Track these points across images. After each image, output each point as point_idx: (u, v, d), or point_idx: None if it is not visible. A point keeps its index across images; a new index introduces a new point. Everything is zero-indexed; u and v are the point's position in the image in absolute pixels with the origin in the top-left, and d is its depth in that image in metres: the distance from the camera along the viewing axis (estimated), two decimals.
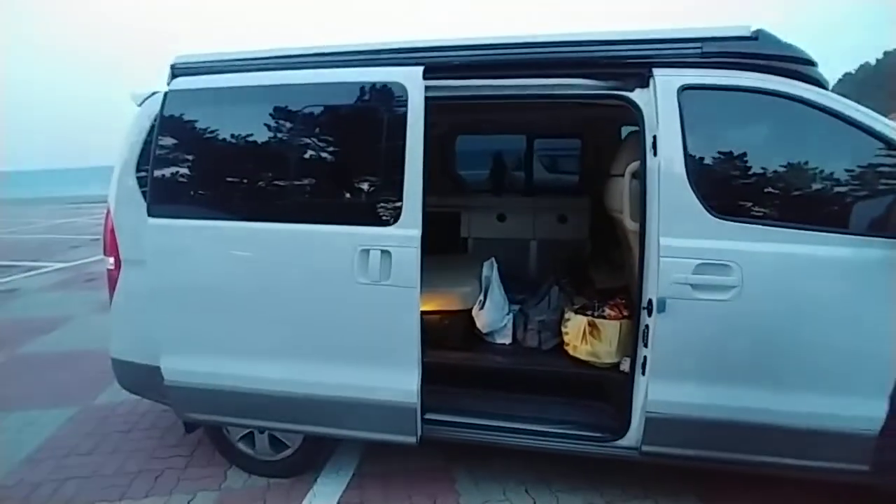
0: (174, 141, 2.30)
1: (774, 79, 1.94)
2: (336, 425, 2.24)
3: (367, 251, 2.06)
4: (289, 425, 2.32)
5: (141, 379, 2.49)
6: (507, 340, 2.75)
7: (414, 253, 2.04)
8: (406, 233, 2.05)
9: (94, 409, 3.26)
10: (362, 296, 2.08)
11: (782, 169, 1.99)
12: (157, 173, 2.29)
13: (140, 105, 2.55)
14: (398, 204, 2.06)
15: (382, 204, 2.09)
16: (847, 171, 1.93)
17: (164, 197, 2.29)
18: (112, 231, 2.50)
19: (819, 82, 2.01)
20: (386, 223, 2.07)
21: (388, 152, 2.09)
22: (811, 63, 2.04)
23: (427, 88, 2.09)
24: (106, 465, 2.66)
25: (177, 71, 2.39)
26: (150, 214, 2.27)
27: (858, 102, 1.97)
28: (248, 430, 2.50)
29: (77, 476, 2.56)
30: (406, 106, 2.07)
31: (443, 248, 3.45)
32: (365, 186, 2.17)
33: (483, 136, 3.80)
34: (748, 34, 1.99)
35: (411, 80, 2.07)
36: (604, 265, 3.09)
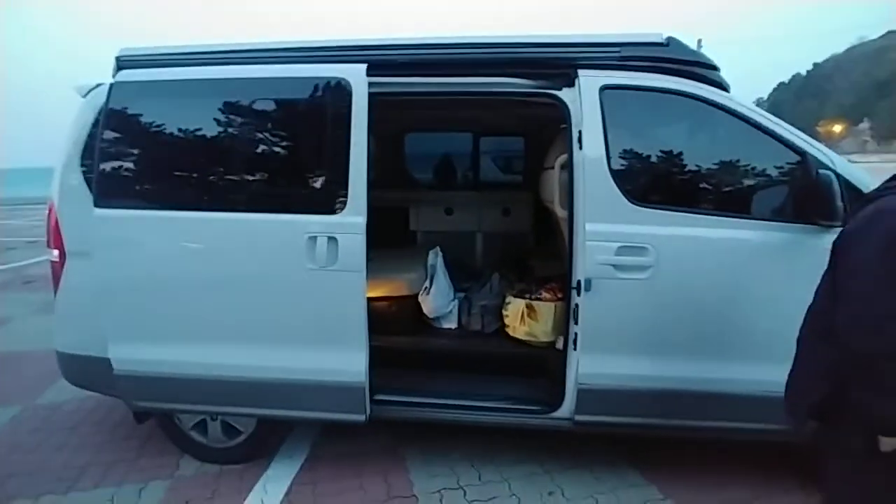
0: (120, 133, 2.33)
1: (682, 81, 2.17)
2: (288, 407, 2.32)
3: (315, 238, 2.16)
4: (241, 409, 2.38)
5: (88, 371, 2.48)
6: (453, 325, 2.91)
7: (359, 239, 2.16)
8: (352, 220, 2.16)
9: (38, 407, 3.20)
10: (310, 281, 2.18)
11: (690, 161, 2.24)
12: (103, 165, 2.31)
13: (84, 97, 2.54)
14: (344, 193, 2.16)
15: (328, 193, 2.19)
16: (744, 163, 2.20)
17: (110, 188, 2.31)
18: (56, 224, 2.49)
19: (721, 85, 2.27)
20: (332, 211, 2.18)
21: (334, 145, 2.19)
22: (714, 68, 2.29)
23: (370, 85, 2.21)
24: (51, 460, 2.63)
25: (122, 63, 2.42)
26: (96, 205, 2.29)
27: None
28: (200, 418, 2.54)
29: (21, 472, 2.53)
30: (350, 101, 2.18)
31: (393, 241, 3.57)
32: (312, 177, 2.27)
33: (432, 135, 3.95)
34: (661, 41, 2.22)
35: (355, 76, 2.19)
36: (544, 254, 3.29)
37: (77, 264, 2.42)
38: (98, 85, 2.50)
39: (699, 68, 2.24)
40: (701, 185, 2.27)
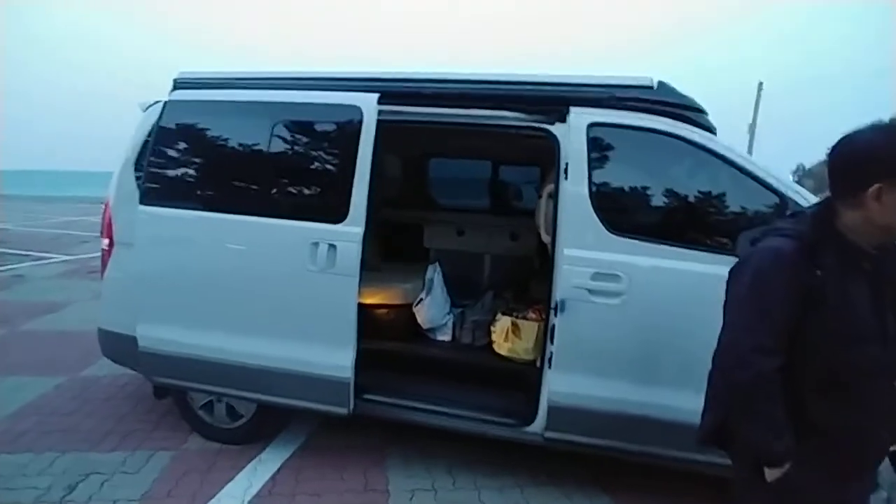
0: (166, 143, 2.71)
1: (668, 121, 2.31)
2: (282, 395, 2.55)
3: (317, 243, 2.42)
4: (242, 392, 2.63)
5: (119, 347, 2.83)
6: (447, 337, 3.08)
7: (356, 247, 2.39)
8: (350, 230, 2.41)
9: (80, 379, 3.60)
10: (310, 281, 2.43)
11: (669, 196, 2.36)
12: (151, 169, 2.70)
13: (145, 111, 2.97)
14: (346, 205, 2.42)
15: (333, 204, 2.45)
16: (721, 201, 2.29)
17: (154, 189, 2.68)
18: (109, 217, 2.90)
19: (708, 127, 2.38)
20: (335, 221, 2.43)
21: (343, 162, 2.46)
22: (701, 111, 2.42)
23: (381, 112, 2.48)
24: (82, 424, 2.98)
25: (177, 84, 2.82)
26: (141, 203, 2.66)
27: None
28: (208, 399, 2.82)
29: (55, 431, 2.89)
30: (361, 125, 2.45)
31: (406, 256, 3.81)
32: (321, 189, 2.55)
33: (453, 161, 4.20)
34: (649, 84, 2.37)
35: (367, 104, 2.46)
36: (543, 277, 3.41)
37: (121, 252, 2.81)
38: (156, 102, 2.92)
39: (686, 111, 2.37)
40: (678, 220, 2.37)
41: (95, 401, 3.28)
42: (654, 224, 2.37)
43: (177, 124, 2.71)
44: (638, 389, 2.25)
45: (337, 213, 2.44)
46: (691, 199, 2.35)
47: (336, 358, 2.43)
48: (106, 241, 2.92)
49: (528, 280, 3.44)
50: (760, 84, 18.35)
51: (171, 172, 2.70)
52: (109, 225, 2.90)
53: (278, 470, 2.62)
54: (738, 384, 1.25)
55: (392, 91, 2.53)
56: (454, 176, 4.28)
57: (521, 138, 3.26)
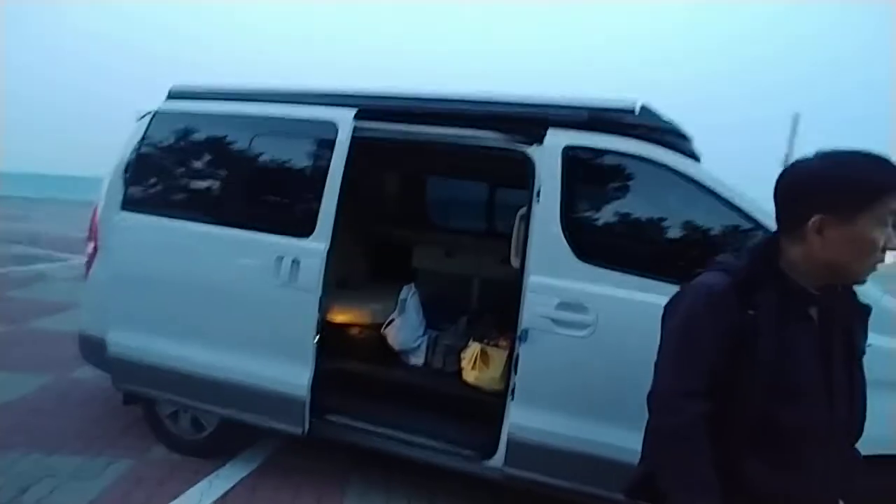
0: (150, 151, 2.76)
1: (648, 146, 2.19)
2: (241, 409, 2.50)
3: (282, 258, 2.38)
4: (203, 405, 2.60)
5: (95, 350, 2.85)
6: (420, 361, 2.98)
7: (319, 263, 2.34)
8: (315, 246, 2.37)
9: (67, 380, 3.65)
10: (273, 296, 2.39)
11: (645, 224, 2.22)
12: (134, 175, 2.75)
13: (139, 120, 3.04)
14: (313, 221, 2.39)
15: (300, 219, 2.42)
16: (700, 231, 2.14)
17: (134, 195, 2.72)
18: (96, 222, 2.95)
19: (692, 154, 2.25)
20: (301, 236, 2.40)
21: (313, 177, 2.44)
22: (685, 138, 2.30)
23: (358, 129, 2.45)
24: (54, 425, 3.00)
25: (171, 94, 2.88)
26: (121, 208, 2.71)
27: None
28: (174, 409, 2.80)
29: (28, 429, 2.91)
30: (335, 141, 2.43)
31: (393, 276, 3.75)
32: (289, 203, 2.53)
33: (446, 181, 4.14)
34: (629, 107, 2.26)
35: (342, 119, 2.44)
36: None
37: (101, 257, 2.84)
38: (149, 112, 2.99)
39: (670, 136, 2.25)
40: (654, 250, 2.23)
41: (73, 403, 3.31)
42: (627, 253, 2.24)
43: (161, 134, 2.77)
44: (605, 430, 2.09)
45: (303, 228, 2.41)
46: (670, 228, 2.21)
47: (292, 375, 2.37)
48: (91, 245, 2.97)
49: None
50: (796, 116, 17.71)
51: (150, 180, 2.74)
52: (95, 229, 2.95)
53: (233, 487, 2.55)
54: (659, 429, 1.12)
55: (369, 107, 2.50)
56: (447, 196, 4.22)
57: (510, 160, 3.19)
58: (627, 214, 2.24)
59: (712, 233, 2.14)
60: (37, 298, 5.78)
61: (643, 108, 2.27)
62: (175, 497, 2.42)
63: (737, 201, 2.07)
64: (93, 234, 2.96)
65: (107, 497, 2.38)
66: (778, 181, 1.13)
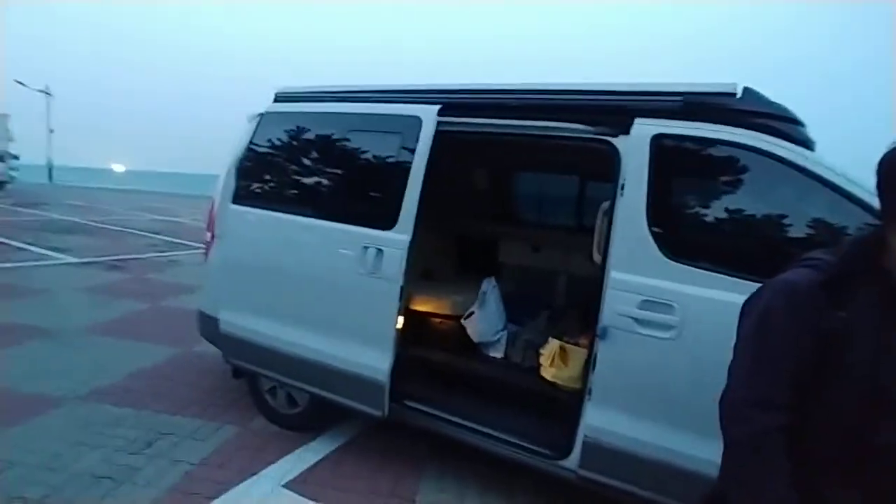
0: (257, 148, 3.04)
1: (750, 133, 1.99)
2: (328, 389, 2.67)
3: (367, 248, 2.51)
4: (295, 382, 2.82)
5: (209, 327, 3.21)
6: (500, 354, 2.97)
7: (401, 254, 2.43)
8: (397, 237, 2.46)
9: (191, 353, 4.15)
10: (359, 284, 2.53)
11: (744, 220, 2.01)
12: (242, 171, 3.05)
13: (249, 122, 3.36)
14: (396, 213, 2.48)
15: (385, 212, 2.53)
16: (814, 229, 1.90)
17: (242, 189, 3.02)
18: (213, 214, 3.32)
19: (804, 142, 2.01)
20: (385, 228, 2.51)
21: (398, 171, 2.53)
22: (796, 122, 2.05)
23: (442, 123, 2.51)
24: (178, 391, 3.43)
25: (277, 97, 3.16)
26: (231, 202, 3.02)
27: None
28: (272, 385, 3.07)
29: (156, 393, 3.36)
30: (419, 135, 2.51)
31: (479, 270, 3.78)
32: (375, 195, 2.64)
33: (536, 175, 4.06)
34: (730, 90, 2.08)
35: (427, 114, 2.51)
36: None
37: (216, 245, 3.19)
38: (258, 114, 3.29)
39: (776, 121, 2.03)
40: (755, 249, 2.01)
41: (194, 373, 3.76)
42: (723, 252, 2.04)
43: (266, 133, 3.04)
44: (686, 439, 1.95)
45: (387, 220, 2.51)
46: (773, 225, 1.98)
47: (374, 360, 2.49)
48: (209, 234, 3.34)
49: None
50: None
51: (255, 175, 3.02)
52: (212, 220, 3.32)
53: (319, 460, 2.74)
54: (732, 441, 1.03)
55: (453, 102, 2.55)
56: (537, 191, 4.14)
57: (596, 152, 3.07)
58: (724, 209, 2.05)
59: (825, 230, 1.89)
60: (170, 281, 6.63)
61: (746, 91, 2.08)
62: (269, 464, 2.66)
63: (857, 193, 1.81)
64: (210, 225, 3.33)
65: (215, 457, 2.68)
66: (881, 164, 0.98)
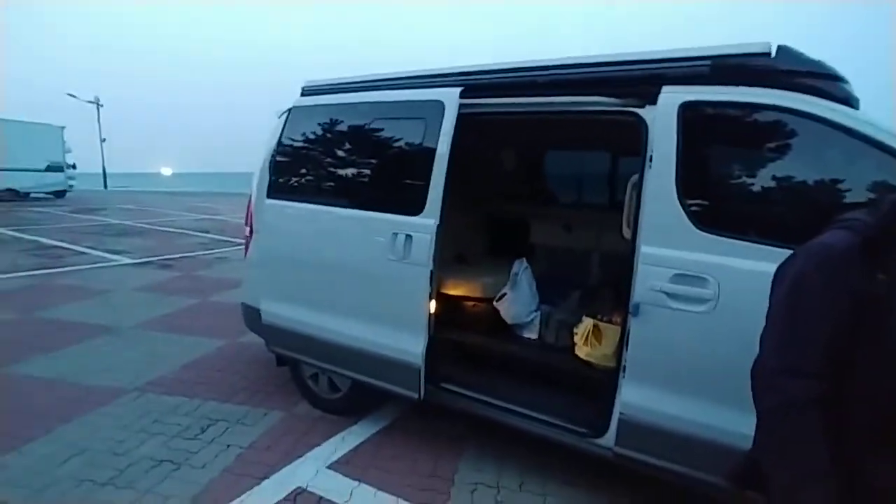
0: (288, 142, 3.12)
1: (786, 94, 1.89)
2: (367, 374, 2.75)
3: (396, 234, 2.55)
4: (336, 368, 2.90)
5: (252, 318, 3.35)
6: (534, 335, 2.96)
7: (430, 238, 2.46)
8: (425, 222, 2.48)
9: (238, 343, 4.35)
10: (390, 270, 2.57)
11: (781, 187, 1.91)
12: (275, 165, 3.14)
13: (279, 118, 3.45)
14: (423, 198, 2.50)
15: (411, 197, 2.55)
16: (860, 194, 1.78)
17: (275, 183, 3.11)
18: (250, 209, 3.44)
19: (846, 100, 1.89)
20: (412, 213, 2.53)
21: (423, 157, 2.54)
22: (837, 79, 1.92)
23: (464, 105, 2.51)
24: (227, 379, 3.61)
25: (304, 91, 3.23)
26: (266, 196, 3.12)
27: None
28: (314, 371, 3.18)
29: (207, 382, 3.55)
30: (442, 120, 2.51)
31: (511, 252, 3.76)
32: (402, 182, 2.67)
33: (566, 153, 3.98)
34: (764, 50, 1.97)
35: (449, 98, 2.51)
36: None
37: (254, 239, 3.32)
38: (287, 109, 3.37)
39: (815, 80, 1.91)
40: (794, 217, 1.91)
41: (241, 362, 3.94)
42: (759, 221, 1.95)
43: (296, 127, 3.11)
44: (722, 413, 1.90)
45: (415, 205, 2.53)
46: (814, 191, 1.87)
47: (409, 344, 2.54)
48: (248, 229, 3.47)
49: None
50: None
51: (287, 169, 3.11)
52: (250, 215, 3.44)
53: (361, 443, 2.83)
54: (764, 411, 1.01)
55: (475, 84, 2.54)
56: (567, 170, 4.06)
57: (624, 125, 2.99)
58: (758, 176, 1.96)
59: (876, 193, 1.77)
60: (218, 277, 6.93)
61: (780, 49, 1.97)
62: (314, 447, 2.77)
63: None
64: (249, 220, 3.46)
65: (263, 440, 2.82)
66: None
